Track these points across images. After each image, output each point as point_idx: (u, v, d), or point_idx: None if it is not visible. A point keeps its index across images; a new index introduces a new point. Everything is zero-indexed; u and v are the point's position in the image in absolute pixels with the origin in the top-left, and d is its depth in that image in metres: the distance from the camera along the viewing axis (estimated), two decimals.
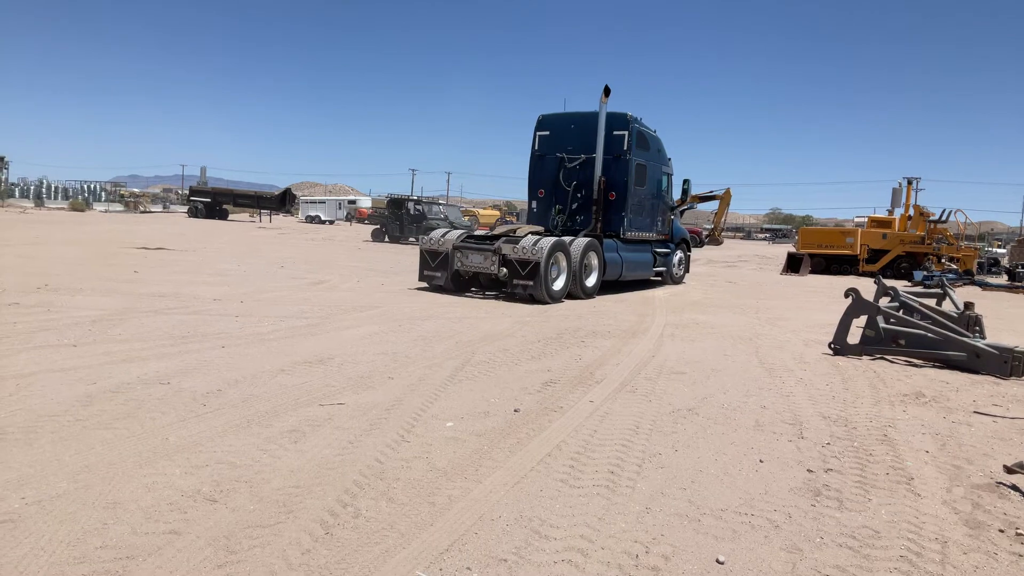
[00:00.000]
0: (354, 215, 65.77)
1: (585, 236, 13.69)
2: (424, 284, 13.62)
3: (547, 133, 15.49)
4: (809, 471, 4.34)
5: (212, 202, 56.57)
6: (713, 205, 56.93)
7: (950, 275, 22.41)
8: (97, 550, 2.93)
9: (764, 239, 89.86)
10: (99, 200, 77.05)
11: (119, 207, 69.05)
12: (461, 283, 13.41)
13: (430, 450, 4.38)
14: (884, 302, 9.24)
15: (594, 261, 13.74)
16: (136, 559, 2.87)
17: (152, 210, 70.39)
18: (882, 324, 8.44)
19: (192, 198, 58.60)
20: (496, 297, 12.77)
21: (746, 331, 10.19)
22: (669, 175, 16.94)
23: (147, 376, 5.72)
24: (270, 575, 2.82)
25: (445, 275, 13.08)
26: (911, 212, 29.17)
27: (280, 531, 3.18)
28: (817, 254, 27.67)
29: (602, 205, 14.54)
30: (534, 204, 15.64)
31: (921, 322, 8.49)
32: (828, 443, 4.92)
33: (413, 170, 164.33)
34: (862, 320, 8.54)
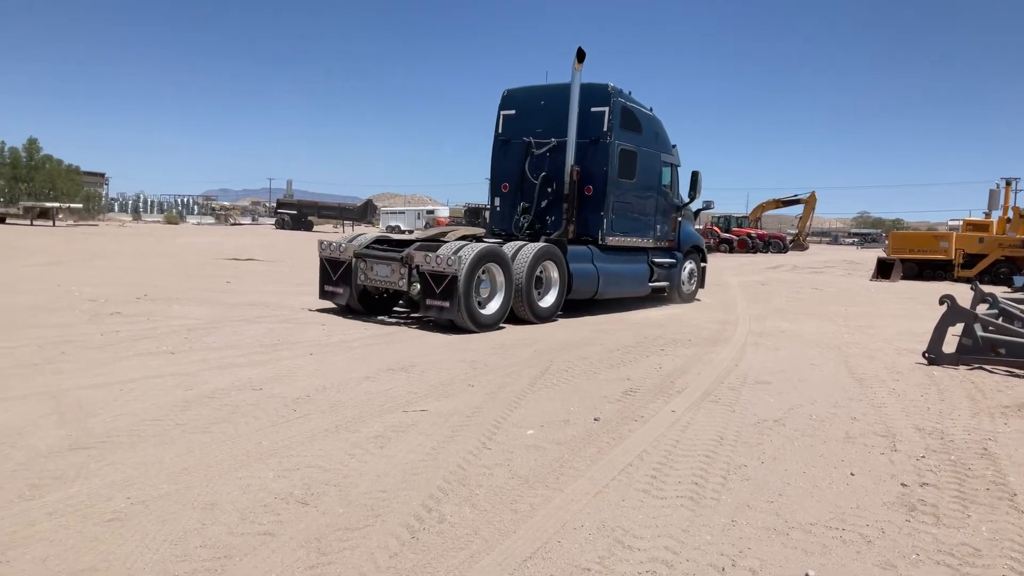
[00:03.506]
0: (432, 224, 66.85)
1: (545, 240, 10.83)
2: (329, 303, 10.74)
3: (513, 112, 12.55)
4: (903, 485, 4.18)
5: (298, 214, 58.61)
6: (797, 209, 55.65)
7: None
8: (197, 549, 3.07)
9: (852, 244, 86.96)
10: (192, 213, 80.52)
11: (210, 220, 71.95)
12: (374, 302, 10.48)
13: (511, 457, 4.42)
14: (982, 309, 8.81)
15: (553, 274, 10.61)
16: (233, 559, 3.00)
17: (241, 222, 73.13)
18: (980, 332, 8.05)
19: (279, 210, 60.81)
20: (416, 323, 9.85)
21: (834, 339, 9.88)
22: (673, 166, 13.55)
23: (240, 382, 5.96)
24: None
25: (348, 291, 10.17)
26: (1010, 214, 27.81)
27: (368, 534, 3.27)
28: (909, 259, 26.59)
29: (575, 202, 11.52)
30: (497, 201, 12.77)
31: (1022, 330, 8.07)
32: (923, 456, 4.73)
33: (488, 179, 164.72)
34: (958, 328, 8.17)
